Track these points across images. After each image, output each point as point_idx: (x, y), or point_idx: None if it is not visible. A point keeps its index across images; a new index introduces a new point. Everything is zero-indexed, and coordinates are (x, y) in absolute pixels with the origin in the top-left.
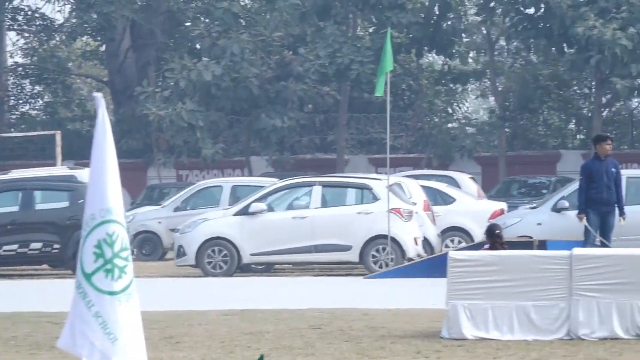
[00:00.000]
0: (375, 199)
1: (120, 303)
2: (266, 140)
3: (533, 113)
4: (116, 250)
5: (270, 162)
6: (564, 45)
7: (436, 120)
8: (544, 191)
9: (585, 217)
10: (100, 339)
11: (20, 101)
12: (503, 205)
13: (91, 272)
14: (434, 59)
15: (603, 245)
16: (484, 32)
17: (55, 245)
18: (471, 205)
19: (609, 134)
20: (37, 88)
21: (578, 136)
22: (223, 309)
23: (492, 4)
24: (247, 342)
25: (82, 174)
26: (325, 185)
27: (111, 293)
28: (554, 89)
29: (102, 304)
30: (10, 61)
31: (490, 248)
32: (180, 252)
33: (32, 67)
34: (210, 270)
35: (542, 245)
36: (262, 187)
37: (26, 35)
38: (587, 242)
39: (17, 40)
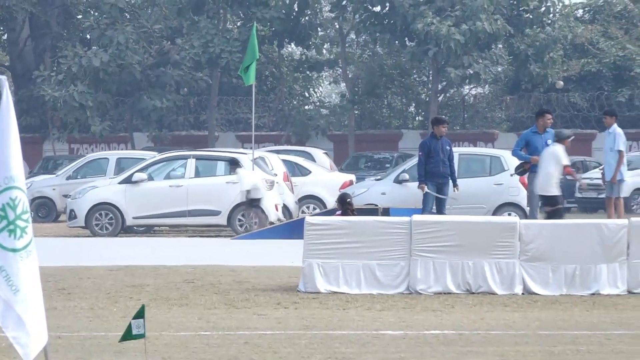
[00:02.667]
0: None
1: (22, 259)
2: (147, 119)
3: (378, 97)
4: (18, 212)
5: (151, 138)
6: (406, 39)
7: (295, 103)
8: (388, 165)
9: (426, 187)
10: (4, 290)
11: None
12: (352, 177)
13: None
14: (293, 50)
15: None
16: (337, 26)
17: None
18: (324, 176)
19: (445, 118)
20: None
21: (417, 118)
22: (109, 265)
23: (344, 2)
24: (129, 294)
25: None
26: (198, 158)
27: (14, 250)
28: (397, 76)
29: (6, 260)
30: None
31: (342, 214)
32: (72, 215)
33: None
34: (97, 231)
35: (386, 212)
36: (144, 159)
37: None
38: (425, 209)
39: None
